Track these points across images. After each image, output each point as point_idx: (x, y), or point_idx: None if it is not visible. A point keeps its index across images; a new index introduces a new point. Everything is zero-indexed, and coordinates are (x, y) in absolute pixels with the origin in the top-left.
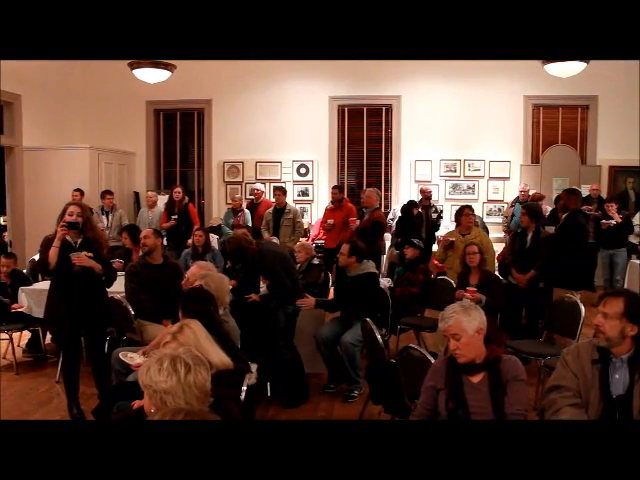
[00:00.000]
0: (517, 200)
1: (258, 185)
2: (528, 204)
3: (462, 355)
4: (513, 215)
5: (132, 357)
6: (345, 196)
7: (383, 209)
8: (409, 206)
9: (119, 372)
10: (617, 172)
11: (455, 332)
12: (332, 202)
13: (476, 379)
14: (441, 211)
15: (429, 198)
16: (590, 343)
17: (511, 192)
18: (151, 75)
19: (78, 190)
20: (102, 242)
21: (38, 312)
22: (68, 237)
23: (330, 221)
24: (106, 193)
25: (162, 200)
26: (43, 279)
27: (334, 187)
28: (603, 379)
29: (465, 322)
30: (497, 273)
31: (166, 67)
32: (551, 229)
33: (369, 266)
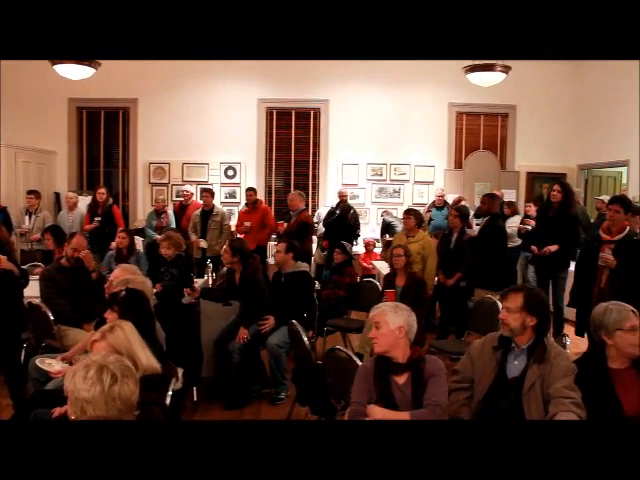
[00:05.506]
0: (433, 205)
1: (187, 187)
2: (460, 207)
3: (377, 345)
4: (431, 219)
5: (50, 363)
6: (259, 197)
7: (310, 211)
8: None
9: (37, 380)
10: (534, 177)
11: (377, 320)
12: (246, 204)
13: (401, 379)
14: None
15: (345, 201)
16: (496, 334)
17: None
18: (74, 72)
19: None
20: (11, 244)
21: None
22: None
23: (247, 223)
24: (30, 193)
25: (84, 201)
26: None
27: (248, 189)
28: (501, 362)
29: (390, 315)
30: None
31: (90, 64)
32: (473, 232)
33: (303, 265)
